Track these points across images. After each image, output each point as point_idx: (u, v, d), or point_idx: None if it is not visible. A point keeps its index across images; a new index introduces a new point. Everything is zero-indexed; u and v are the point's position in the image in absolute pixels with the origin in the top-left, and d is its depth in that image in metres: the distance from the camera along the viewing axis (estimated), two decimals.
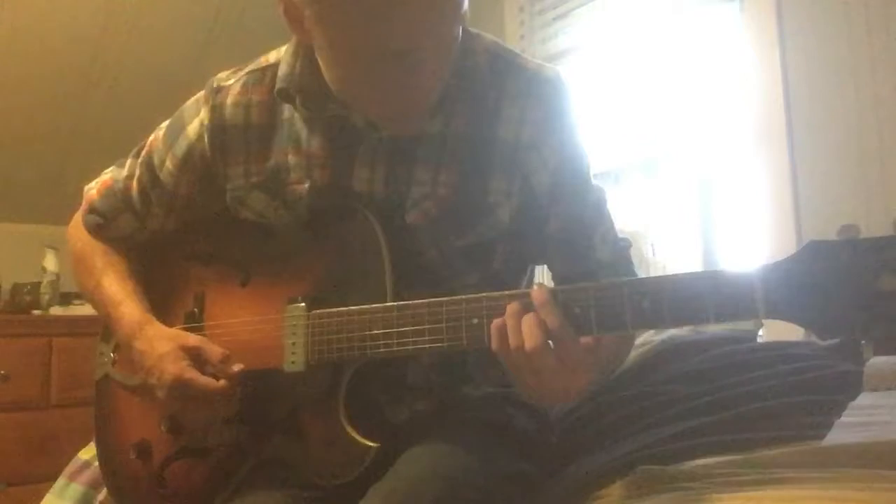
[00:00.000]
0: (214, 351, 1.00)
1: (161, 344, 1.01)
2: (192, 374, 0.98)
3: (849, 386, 1.13)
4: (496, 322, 0.80)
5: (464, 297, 0.85)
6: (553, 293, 0.80)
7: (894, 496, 0.70)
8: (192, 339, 1.02)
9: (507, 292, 0.83)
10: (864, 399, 1.09)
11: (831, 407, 1.05)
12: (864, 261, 0.67)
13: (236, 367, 0.98)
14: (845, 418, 1.01)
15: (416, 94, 0.90)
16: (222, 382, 0.98)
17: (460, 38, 0.92)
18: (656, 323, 0.77)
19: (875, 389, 1.13)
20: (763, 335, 1.75)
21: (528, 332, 0.78)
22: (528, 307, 0.79)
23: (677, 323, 0.77)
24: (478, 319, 0.83)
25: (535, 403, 0.98)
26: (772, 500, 0.73)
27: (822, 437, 0.95)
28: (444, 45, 0.87)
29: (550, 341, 0.78)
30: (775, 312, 0.71)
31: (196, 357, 1.00)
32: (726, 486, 0.79)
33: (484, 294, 0.84)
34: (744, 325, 1.63)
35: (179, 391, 0.98)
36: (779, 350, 1.33)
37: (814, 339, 1.65)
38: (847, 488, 0.73)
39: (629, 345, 0.95)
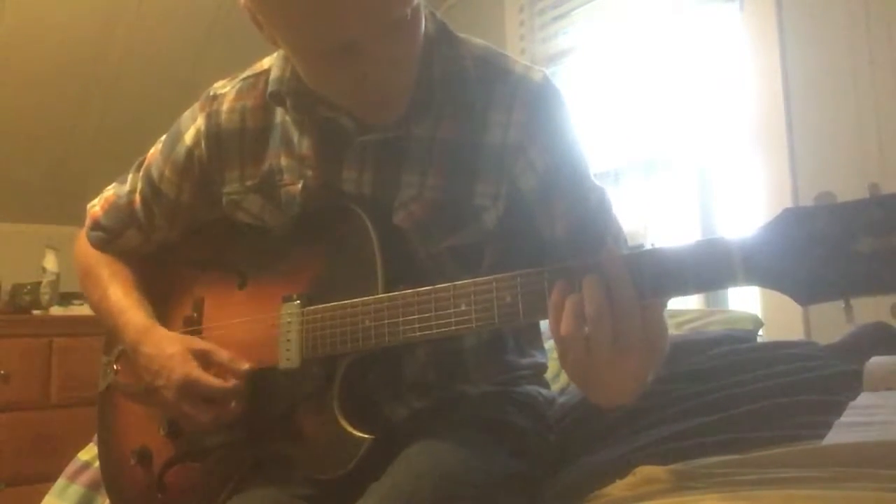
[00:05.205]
0: (223, 353, 1.00)
1: (170, 346, 1.02)
2: (201, 374, 0.98)
3: (849, 386, 1.13)
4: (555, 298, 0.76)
5: (452, 284, 0.85)
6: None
7: (893, 496, 0.70)
8: (201, 342, 1.03)
9: (491, 277, 0.83)
10: (864, 399, 1.09)
11: (831, 407, 1.05)
12: (840, 224, 0.66)
13: (245, 366, 0.99)
14: (845, 418, 1.01)
15: (378, 84, 0.88)
16: (232, 381, 0.98)
17: (425, 24, 0.91)
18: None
19: (875, 389, 1.13)
20: (763, 335, 1.75)
21: (589, 296, 0.74)
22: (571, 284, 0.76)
23: (657, 294, 0.75)
24: (466, 306, 0.83)
25: (601, 402, 0.93)
26: (772, 500, 0.73)
27: (822, 437, 0.94)
28: (392, 32, 0.83)
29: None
30: (754, 278, 0.70)
31: (204, 359, 1.00)
32: (726, 486, 0.79)
33: (471, 281, 0.84)
34: (744, 325, 1.63)
35: (188, 390, 0.98)
36: (779, 350, 1.33)
37: (813, 339, 1.65)
38: (847, 488, 0.73)
39: (664, 338, 0.86)
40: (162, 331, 1.07)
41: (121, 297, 1.12)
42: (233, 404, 0.99)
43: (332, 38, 0.83)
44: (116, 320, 1.10)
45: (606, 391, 0.83)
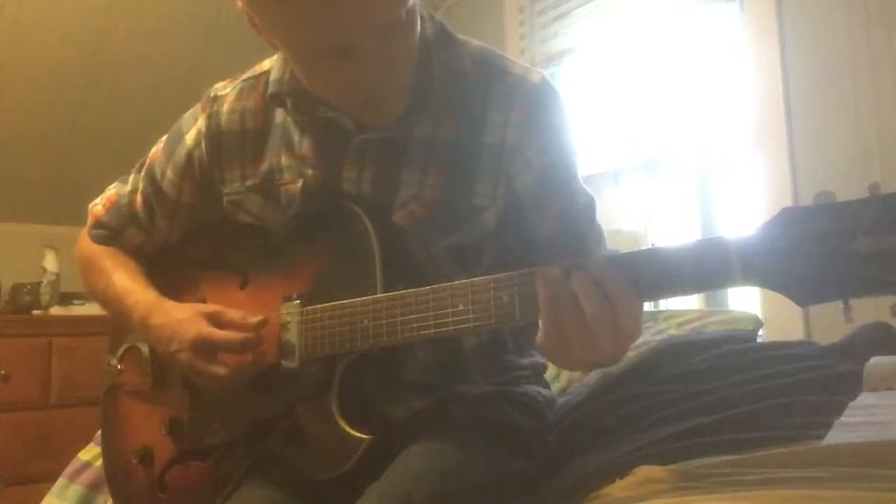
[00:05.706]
0: (233, 311, 1.00)
1: (179, 312, 1.02)
2: (213, 330, 0.98)
3: (849, 386, 1.13)
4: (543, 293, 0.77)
5: (449, 283, 0.85)
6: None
7: (893, 496, 0.70)
8: (211, 305, 1.04)
9: (488, 277, 0.83)
10: (864, 399, 1.09)
11: (831, 407, 1.05)
12: (840, 224, 0.66)
13: (257, 318, 0.98)
14: (845, 418, 1.01)
15: (375, 85, 0.89)
16: (244, 333, 0.98)
17: (427, 30, 0.92)
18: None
19: (875, 389, 1.13)
20: (763, 335, 1.75)
21: (585, 295, 0.75)
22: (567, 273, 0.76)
23: (655, 293, 0.76)
24: (463, 306, 0.83)
25: (569, 368, 0.93)
26: (772, 500, 0.73)
27: (822, 437, 0.94)
28: (387, 33, 0.85)
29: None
30: (752, 278, 0.70)
31: (215, 320, 1.00)
32: (726, 486, 0.79)
33: (468, 281, 0.84)
34: (744, 325, 1.63)
35: (201, 348, 0.98)
36: (779, 350, 1.33)
37: (813, 339, 1.65)
38: (846, 488, 0.73)
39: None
40: (170, 302, 1.06)
41: (126, 282, 1.12)
42: (248, 357, 0.98)
43: (327, 41, 0.83)
44: (124, 303, 1.10)
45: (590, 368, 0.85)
